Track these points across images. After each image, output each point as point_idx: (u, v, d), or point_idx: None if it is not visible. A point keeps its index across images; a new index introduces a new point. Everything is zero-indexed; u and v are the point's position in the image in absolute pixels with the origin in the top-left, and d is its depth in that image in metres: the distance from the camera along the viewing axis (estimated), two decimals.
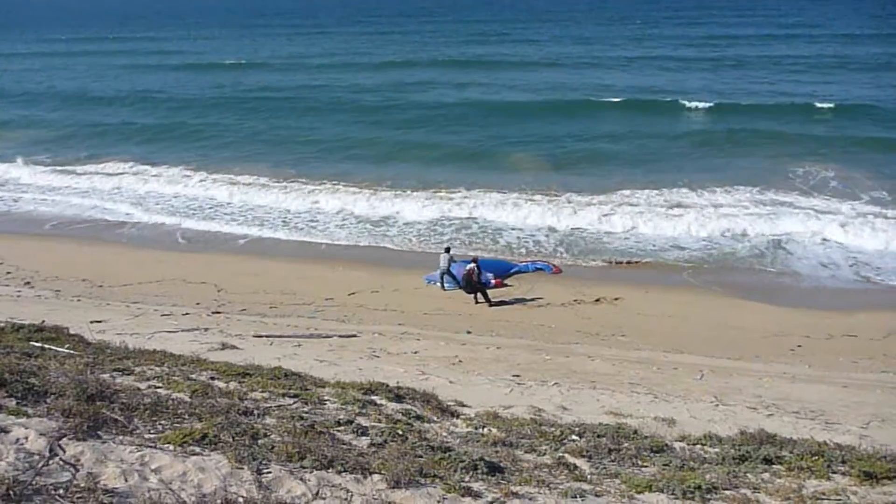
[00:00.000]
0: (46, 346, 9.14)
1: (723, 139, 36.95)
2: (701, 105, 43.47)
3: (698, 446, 7.84)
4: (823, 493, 6.13)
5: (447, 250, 21.07)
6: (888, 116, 39.12)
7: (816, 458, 6.94)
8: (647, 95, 47.07)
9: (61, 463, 4.68)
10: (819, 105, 41.78)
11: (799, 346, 17.04)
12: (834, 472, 6.67)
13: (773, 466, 6.84)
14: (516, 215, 27.08)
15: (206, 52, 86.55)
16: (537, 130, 40.13)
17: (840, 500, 6.04)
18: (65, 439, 5.02)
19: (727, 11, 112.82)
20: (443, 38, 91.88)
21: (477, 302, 20.08)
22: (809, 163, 31.74)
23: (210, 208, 30.29)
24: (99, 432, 5.33)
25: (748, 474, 6.59)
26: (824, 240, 23.64)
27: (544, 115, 43.04)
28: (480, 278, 20.29)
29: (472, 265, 20.09)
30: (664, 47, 71.01)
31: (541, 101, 46.79)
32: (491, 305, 19.88)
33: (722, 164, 32.69)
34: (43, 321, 12.55)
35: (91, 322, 15.21)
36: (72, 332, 11.20)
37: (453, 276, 20.72)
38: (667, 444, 7.61)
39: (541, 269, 21.99)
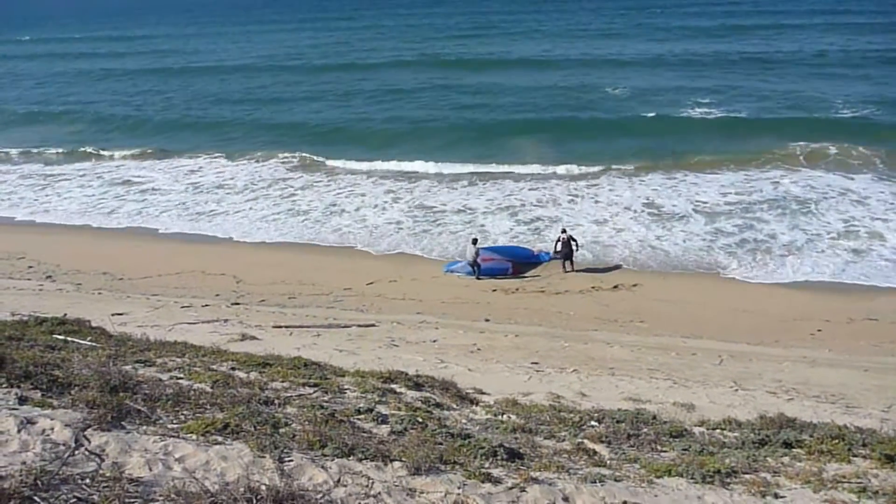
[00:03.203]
0: (69, 338, 9.25)
1: None
2: None
3: (717, 431, 7.82)
4: (844, 476, 6.10)
5: (474, 241, 21.05)
6: None
7: (837, 441, 6.90)
8: None
9: (87, 453, 4.76)
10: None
11: (819, 330, 16.93)
12: (855, 456, 6.63)
13: (793, 450, 6.81)
14: None
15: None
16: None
17: (861, 482, 6.00)
18: (90, 430, 5.09)
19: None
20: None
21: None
22: None
23: None
24: (123, 423, 5.41)
25: (768, 458, 6.56)
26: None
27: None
28: (477, 262, 20.74)
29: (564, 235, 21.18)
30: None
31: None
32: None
33: None
34: (65, 314, 12.73)
35: (112, 315, 15.35)
36: (94, 324, 11.31)
37: (478, 266, 20.79)
38: (686, 429, 7.60)
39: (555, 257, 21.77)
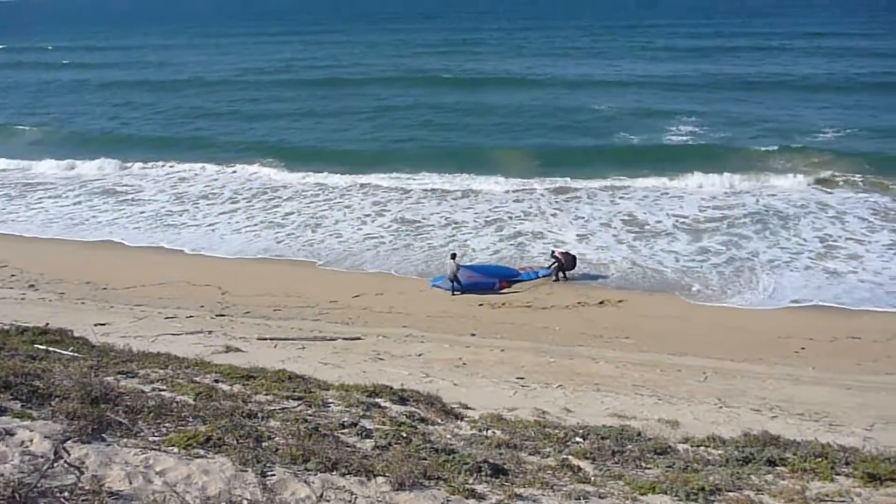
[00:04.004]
0: (51, 348, 9.18)
1: None
2: None
3: (702, 448, 7.84)
4: (827, 495, 6.12)
5: (453, 256, 21.06)
6: None
7: (820, 459, 6.93)
8: None
9: (66, 465, 4.70)
10: None
11: (803, 348, 17.01)
12: (838, 474, 6.66)
13: (777, 468, 6.83)
14: None
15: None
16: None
17: (843, 501, 6.03)
18: (69, 442, 5.04)
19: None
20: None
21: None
22: None
23: None
24: (103, 435, 5.35)
25: (752, 476, 6.58)
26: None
27: None
28: (457, 276, 20.75)
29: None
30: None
31: None
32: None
33: None
34: (47, 324, 12.62)
35: (95, 325, 15.27)
36: (76, 334, 11.24)
37: (458, 282, 20.78)
38: (670, 446, 7.61)
39: (546, 275, 21.81)
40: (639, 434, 8.05)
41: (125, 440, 5.35)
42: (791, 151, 34.44)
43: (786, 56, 65.04)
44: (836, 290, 20.26)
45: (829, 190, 29.40)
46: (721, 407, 12.54)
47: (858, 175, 30.48)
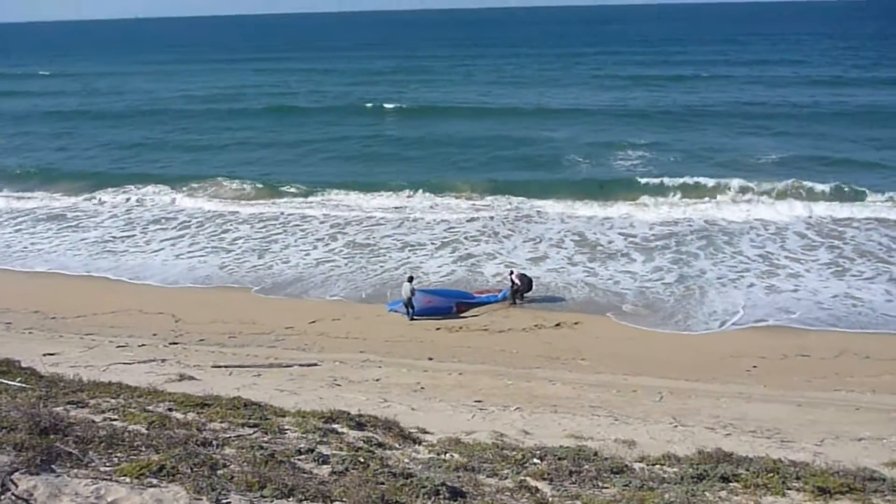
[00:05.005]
0: None
1: None
2: None
3: (657, 466, 7.93)
4: None
5: (410, 279, 21.05)
6: None
7: (772, 475, 7.08)
8: None
9: (13, 498, 4.58)
10: None
11: (755, 366, 17.35)
12: (789, 489, 6.81)
13: (731, 484, 6.96)
14: None
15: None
16: None
17: None
18: (17, 474, 4.92)
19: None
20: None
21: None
22: None
23: None
24: (53, 466, 5.23)
25: (706, 493, 6.68)
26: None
27: None
28: (412, 302, 20.70)
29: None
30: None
31: None
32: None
33: None
34: None
35: (44, 355, 14.89)
36: (23, 365, 10.96)
37: (412, 307, 20.73)
38: (626, 465, 7.69)
39: (503, 299, 21.86)
40: (595, 454, 8.12)
41: (75, 470, 5.23)
42: (733, 173, 35.56)
43: (731, 84, 66.62)
44: (784, 309, 20.76)
45: (772, 210, 30.28)
46: (676, 426, 12.70)
47: (797, 199, 31.47)
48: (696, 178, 34.75)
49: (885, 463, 9.81)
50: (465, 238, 28.32)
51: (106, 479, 5.14)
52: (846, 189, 31.99)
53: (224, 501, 5.04)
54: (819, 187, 32.33)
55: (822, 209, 29.92)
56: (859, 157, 38.84)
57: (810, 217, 29.31)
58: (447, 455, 7.90)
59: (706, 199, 32.38)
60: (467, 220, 30.53)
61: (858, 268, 23.86)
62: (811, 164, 37.44)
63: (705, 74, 73.35)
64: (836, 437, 12.23)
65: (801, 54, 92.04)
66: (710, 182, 34.03)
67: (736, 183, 33.52)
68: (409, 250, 27.18)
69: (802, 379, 16.55)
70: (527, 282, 21.77)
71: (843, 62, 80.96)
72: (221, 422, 7.77)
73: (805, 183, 32.80)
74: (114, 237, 30.21)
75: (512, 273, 22.00)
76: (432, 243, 27.90)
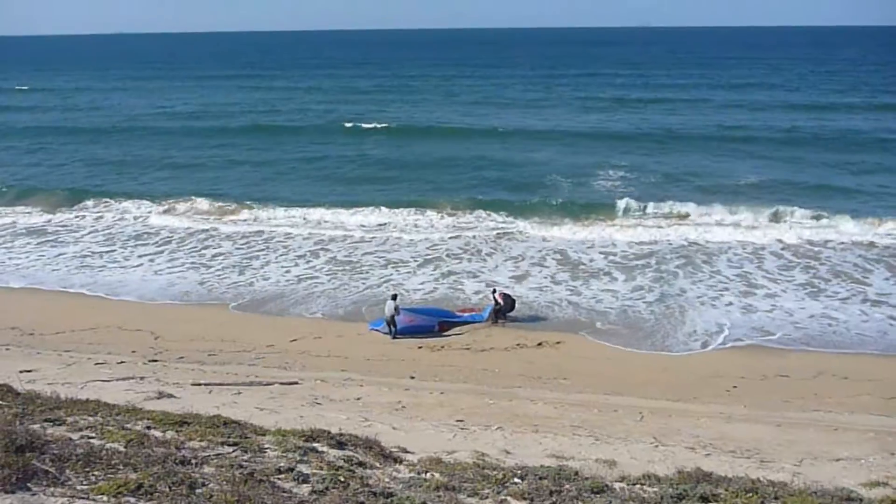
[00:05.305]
0: None
1: None
2: None
3: (637, 486, 7.95)
4: None
5: (393, 297, 21.02)
6: None
7: (751, 494, 7.12)
8: None
9: None
10: None
11: (734, 386, 17.45)
12: None
13: None
14: None
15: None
16: None
17: None
18: None
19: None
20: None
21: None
22: None
23: None
24: (28, 484, 5.17)
25: None
26: None
27: None
28: (395, 319, 20.69)
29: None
30: None
31: None
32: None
33: None
34: None
35: (20, 371, 14.69)
36: None
37: (394, 325, 20.69)
38: (607, 485, 7.70)
39: (487, 318, 21.87)
40: (576, 474, 8.12)
41: (52, 489, 5.18)
42: (712, 196, 35.92)
43: (711, 107, 67.39)
44: (763, 329, 20.95)
45: (751, 232, 30.51)
46: (657, 446, 12.74)
47: (775, 222, 31.91)
48: (675, 200, 35.14)
49: (863, 483, 9.90)
50: (448, 255, 28.46)
51: (83, 498, 5.09)
52: (823, 212, 32.36)
53: None
54: (796, 210, 32.68)
55: (800, 232, 30.24)
56: (836, 181, 39.36)
57: (786, 239, 29.60)
58: (428, 474, 7.88)
59: (685, 220, 32.66)
60: (449, 238, 30.73)
61: (834, 288, 24.18)
62: (788, 188, 37.93)
63: (686, 97, 74.06)
64: (814, 458, 12.33)
65: (781, 78, 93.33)
66: (690, 204, 34.29)
67: (715, 205, 33.78)
68: (392, 267, 27.27)
69: (782, 399, 16.66)
70: (510, 302, 21.82)
71: (821, 87, 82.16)
72: (201, 440, 7.71)
73: (782, 206, 33.16)
74: (92, 252, 30.05)
75: (495, 292, 22.06)
76: (414, 260, 27.99)
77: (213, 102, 77.52)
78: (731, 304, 22.98)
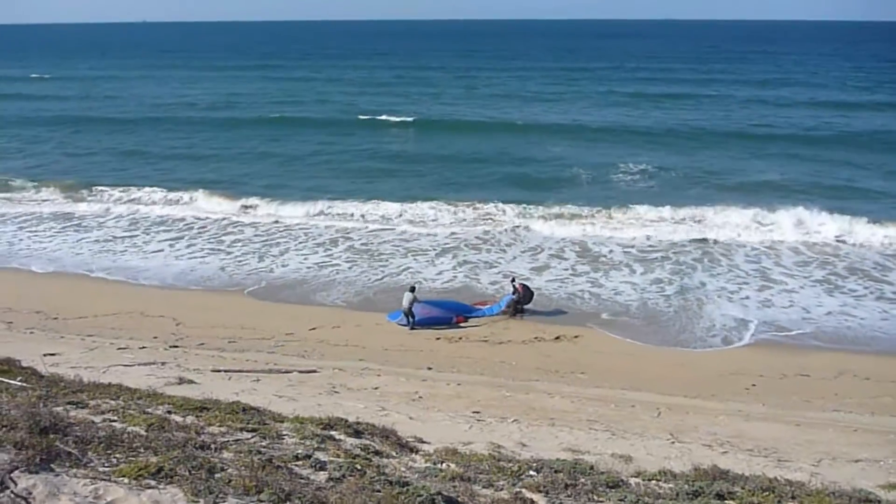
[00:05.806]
0: None
1: None
2: None
3: (653, 482, 7.94)
4: None
5: (412, 289, 21.08)
6: None
7: (767, 493, 7.09)
8: None
9: (13, 496, 4.62)
10: None
11: (753, 384, 17.33)
12: None
13: (726, 502, 6.97)
14: None
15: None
16: None
17: None
18: (17, 472, 4.95)
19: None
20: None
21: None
22: None
23: None
24: (52, 465, 5.26)
25: None
26: None
27: None
28: (412, 310, 20.77)
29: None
30: None
31: None
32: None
33: None
34: None
35: (44, 355, 14.91)
36: (24, 364, 10.99)
37: (412, 316, 20.75)
38: (622, 480, 7.69)
39: (506, 306, 21.88)
40: (592, 468, 8.13)
41: (74, 470, 5.26)
42: (731, 193, 35.63)
43: (734, 103, 66.62)
44: (783, 326, 20.79)
45: (770, 231, 30.10)
46: (673, 442, 12.71)
47: (796, 220, 31.29)
48: (695, 196, 34.87)
49: (881, 485, 9.83)
50: (466, 245, 28.56)
51: (104, 480, 5.17)
52: (844, 213, 31.77)
53: None
54: (817, 209, 32.12)
55: (820, 230, 29.83)
56: (860, 182, 38.68)
57: (806, 238, 29.23)
58: (443, 465, 7.92)
59: (705, 217, 32.10)
60: (468, 229, 30.86)
61: (851, 286, 23.97)
62: (811, 187, 37.35)
63: (709, 93, 73.28)
64: (833, 458, 12.24)
65: (805, 74, 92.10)
66: (709, 200, 33.86)
67: (735, 202, 33.27)
68: (412, 255, 27.53)
69: (801, 399, 16.53)
70: (528, 294, 21.81)
71: (847, 83, 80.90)
72: (220, 426, 7.80)
73: (803, 205, 32.58)
74: (114, 237, 30.44)
75: (514, 280, 22.07)
76: (433, 250, 28.14)
77: (233, 93, 77.73)
78: (747, 297, 22.90)
